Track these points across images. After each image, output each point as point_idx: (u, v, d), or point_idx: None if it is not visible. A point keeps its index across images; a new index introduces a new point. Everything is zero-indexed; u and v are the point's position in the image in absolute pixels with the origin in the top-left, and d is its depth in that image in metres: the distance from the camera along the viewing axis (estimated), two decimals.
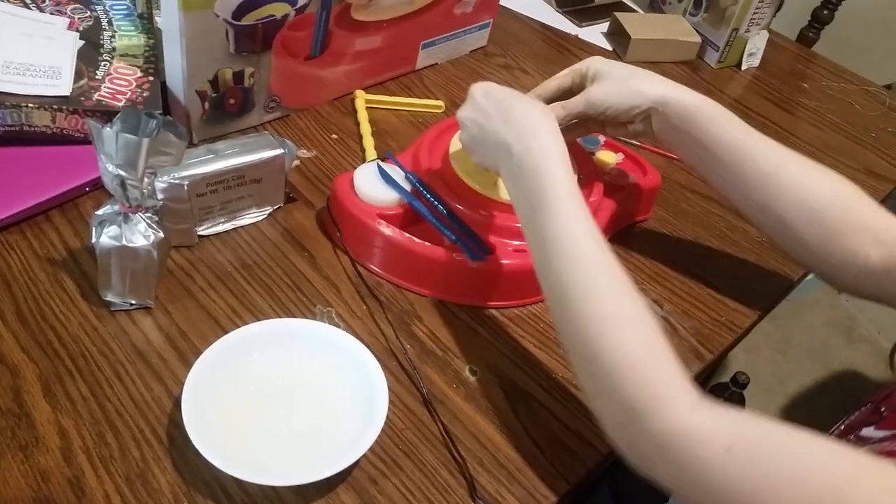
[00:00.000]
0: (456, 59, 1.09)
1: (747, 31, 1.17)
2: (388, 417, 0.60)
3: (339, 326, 0.69)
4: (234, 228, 0.77)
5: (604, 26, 1.23)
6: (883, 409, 0.60)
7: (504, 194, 0.75)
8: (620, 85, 0.72)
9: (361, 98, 0.96)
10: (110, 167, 0.62)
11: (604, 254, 0.58)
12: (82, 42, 0.82)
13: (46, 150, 0.77)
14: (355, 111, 0.95)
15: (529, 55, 1.13)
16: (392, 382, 0.66)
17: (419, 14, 0.98)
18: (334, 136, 0.91)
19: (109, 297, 0.68)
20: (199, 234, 0.75)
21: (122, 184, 0.63)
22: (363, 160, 0.88)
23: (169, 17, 0.77)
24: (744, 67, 1.21)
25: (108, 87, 0.79)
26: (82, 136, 0.78)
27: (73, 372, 0.63)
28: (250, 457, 0.58)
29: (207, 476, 0.57)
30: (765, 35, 1.20)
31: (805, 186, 0.70)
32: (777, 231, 0.72)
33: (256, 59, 0.84)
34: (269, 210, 0.79)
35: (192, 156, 0.73)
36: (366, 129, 0.92)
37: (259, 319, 0.68)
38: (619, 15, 1.20)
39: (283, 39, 0.85)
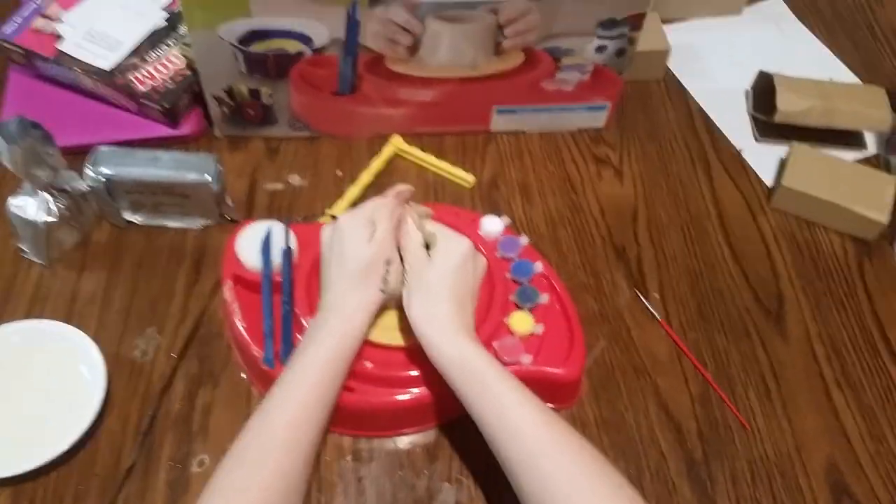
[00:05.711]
0: (553, 131, 0.97)
1: None
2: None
3: (147, 356, 0.76)
4: (164, 226, 0.86)
5: (784, 150, 0.95)
6: None
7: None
8: (411, 291, 0.70)
9: (394, 145, 0.93)
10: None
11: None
12: (165, 23, 0.94)
13: (93, 103, 0.94)
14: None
15: (646, 160, 0.95)
16: (119, 429, 0.72)
17: (485, 80, 0.89)
18: (339, 172, 0.92)
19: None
20: (126, 219, 0.85)
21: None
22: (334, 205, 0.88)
23: None
24: None
25: (147, 71, 0.91)
26: (118, 103, 0.92)
27: None
28: None
29: None
30: None
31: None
32: None
33: (273, 83, 0.88)
34: (200, 222, 0.86)
35: (137, 157, 0.82)
36: (366, 176, 0.90)
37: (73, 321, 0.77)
38: (797, 146, 0.91)
39: (302, 73, 0.87)
